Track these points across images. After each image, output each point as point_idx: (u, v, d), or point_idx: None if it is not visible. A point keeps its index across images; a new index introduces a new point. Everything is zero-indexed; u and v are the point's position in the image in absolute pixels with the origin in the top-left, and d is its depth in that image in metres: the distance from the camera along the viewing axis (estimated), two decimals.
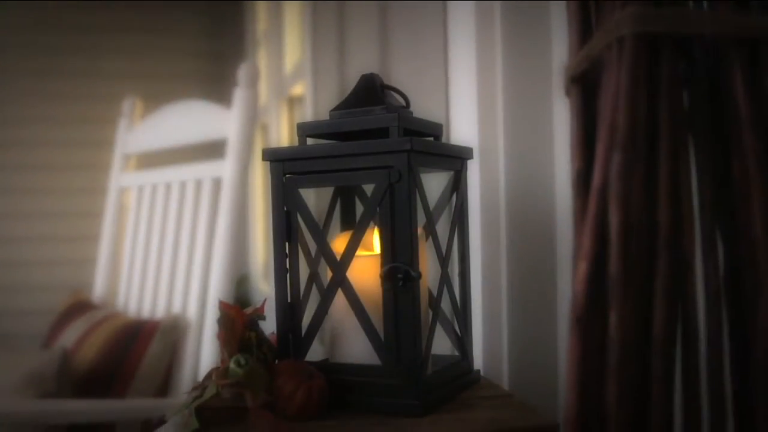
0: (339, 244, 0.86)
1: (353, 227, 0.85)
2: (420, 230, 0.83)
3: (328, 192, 0.94)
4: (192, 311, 1.69)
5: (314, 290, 0.88)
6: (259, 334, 0.84)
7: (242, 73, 1.72)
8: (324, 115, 0.88)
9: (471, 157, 0.94)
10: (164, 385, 1.66)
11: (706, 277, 0.62)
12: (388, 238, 0.79)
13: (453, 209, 0.93)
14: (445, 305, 0.90)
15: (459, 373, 0.91)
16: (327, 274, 0.86)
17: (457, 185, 0.93)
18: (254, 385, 0.79)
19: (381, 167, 0.80)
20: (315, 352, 0.87)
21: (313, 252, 0.87)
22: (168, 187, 1.92)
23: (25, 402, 1.45)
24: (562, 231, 1.00)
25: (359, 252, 0.84)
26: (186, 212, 1.80)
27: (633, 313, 0.60)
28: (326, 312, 0.85)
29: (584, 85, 0.67)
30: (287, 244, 0.86)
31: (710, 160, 0.63)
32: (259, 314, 0.84)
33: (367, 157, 0.81)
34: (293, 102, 2.66)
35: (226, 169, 1.71)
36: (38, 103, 3.40)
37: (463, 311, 0.93)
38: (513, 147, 0.99)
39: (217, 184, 1.75)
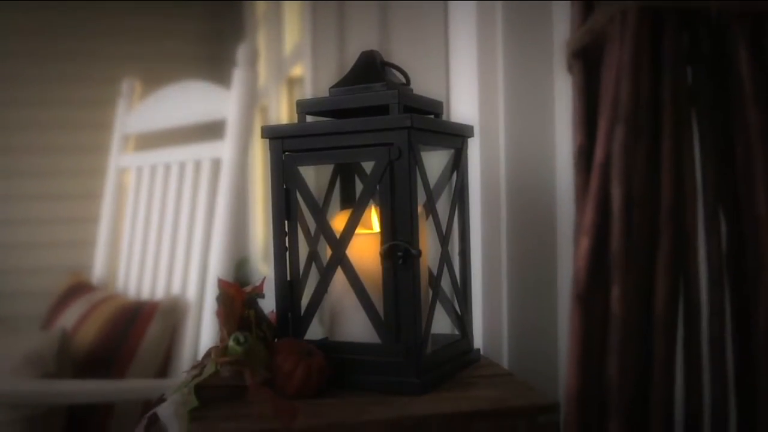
0: (339, 222, 0.86)
1: (353, 205, 0.84)
2: (420, 209, 0.83)
3: (327, 170, 0.94)
4: (191, 292, 1.68)
5: (314, 269, 0.88)
6: (258, 312, 0.83)
7: (241, 53, 1.71)
8: (324, 95, 0.87)
9: (472, 135, 0.94)
10: (164, 366, 1.66)
11: (708, 254, 0.62)
12: (388, 215, 0.79)
13: (453, 188, 0.92)
14: (445, 284, 0.90)
15: (459, 352, 0.91)
16: (327, 253, 0.85)
17: (458, 163, 0.93)
18: (253, 363, 0.78)
19: (381, 144, 0.79)
20: (314, 331, 0.86)
21: (312, 230, 0.87)
22: (167, 167, 1.91)
23: (25, 382, 1.45)
24: (562, 209, 1.00)
25: (359, 230, 0.83)
26: (185, 193, 1.80)
27: (635, 289, 0.60)
28: (326, 290, 0.84)
29: (586, 60, 0.67)
30: (287, 222, 0.86)
31: (713, 136, 0.62)
32: (258, 293, 0.83)
33: (367, 134, 0.80)
34: (293, 83, 2.64)
35: (225, 149, 1.70)
36: (36, 86, 3.39)
37: (463, 290, 0.92)
38: (514, 125, 0.98)
39: (216, 164, 1.74)
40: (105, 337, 1.64)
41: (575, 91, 0.66)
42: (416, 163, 0.80)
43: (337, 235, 0.83)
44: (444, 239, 0.87)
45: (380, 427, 0.72)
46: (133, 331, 1.63)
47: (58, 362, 1.53)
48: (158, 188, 1.92)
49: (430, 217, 0.86)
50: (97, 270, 2.07)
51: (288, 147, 0.86)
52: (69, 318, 1.78)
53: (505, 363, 1.00)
